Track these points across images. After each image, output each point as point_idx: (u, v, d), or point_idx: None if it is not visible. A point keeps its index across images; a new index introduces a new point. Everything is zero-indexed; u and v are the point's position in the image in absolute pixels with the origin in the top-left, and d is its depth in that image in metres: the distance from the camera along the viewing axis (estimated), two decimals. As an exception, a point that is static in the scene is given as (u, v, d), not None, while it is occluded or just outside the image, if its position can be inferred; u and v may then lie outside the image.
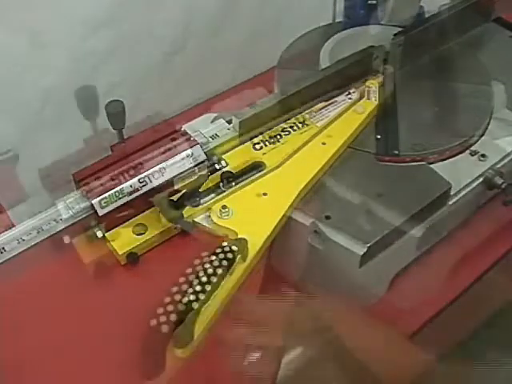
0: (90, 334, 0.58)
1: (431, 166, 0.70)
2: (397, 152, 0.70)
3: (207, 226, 0.66)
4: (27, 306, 0.60)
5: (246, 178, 0.70)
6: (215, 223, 0.66)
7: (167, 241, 0.67)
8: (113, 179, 0.65)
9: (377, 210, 0.65)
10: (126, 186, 0.65)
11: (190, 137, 0.69)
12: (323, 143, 0.73)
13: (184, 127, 0.72)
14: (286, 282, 0.70)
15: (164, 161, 0.67)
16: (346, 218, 0.65)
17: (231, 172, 0.69)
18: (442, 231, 0.72)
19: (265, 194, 0.68)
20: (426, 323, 0.70)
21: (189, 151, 0.68)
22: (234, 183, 0.69)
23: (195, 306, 0.55)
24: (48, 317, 0.59)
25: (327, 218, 0.65)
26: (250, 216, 0.66)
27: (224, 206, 0.66)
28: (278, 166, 0.71)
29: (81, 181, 0.64)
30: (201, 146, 0.69)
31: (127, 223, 0.65)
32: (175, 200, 0.66)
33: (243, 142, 0.73)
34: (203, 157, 0.68)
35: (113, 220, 0.65)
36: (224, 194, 0.69)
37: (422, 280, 0.71)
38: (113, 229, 0.65)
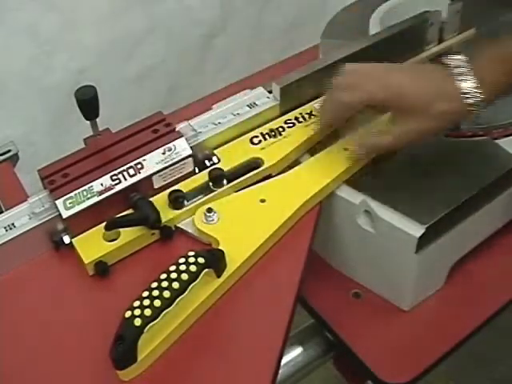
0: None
1: (495, 141, 0.63)
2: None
3: (188, 230, 0.56)
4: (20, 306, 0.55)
5: (240, 177, 0.59)
6: (197, 228, 0.56)
7: (144, 249, 0.57)
8: (82, 176, 0.57)
9: (436, 188, 0.59)
10: (95, 184, 0.57)
11: (174, 128, 0.59)
12: (346, 149, 0.61)
13: (214, 106, 0.65)
14: (332, 269, 0.65)
15: (141, 155, 0.58)
16: (401, 196, 0.58)
17: (221, 169, 0.59)
18: (509, 213, 0.65)
19: (263, 201, 0.58)
20: (486, 322, 0.62)
21: (171, 145, 0.58)
22: (225, 183, 0.58)
23: (137, 322, 0.46)
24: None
25: (379, 195, 0.58)
26: (239, 224, 0.56)
27: (209, 209, 0.56)
28: (277, 164, 0.60)
29: (46, 178, 0.57)
30: (186, 139, 0.59)
31: (98, 227, 0.57)
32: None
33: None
34: (188, 151, 0.58)
35: (81, 223, 0.56)
36: (212, 195, 0.58)
37: (484, 272, 0.65)
38: (81, 234, 0.57)
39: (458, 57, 0.55)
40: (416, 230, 0.55)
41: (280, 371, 0.50)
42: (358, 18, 0.79)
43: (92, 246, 0.56)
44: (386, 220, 0.57)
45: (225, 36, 1.16)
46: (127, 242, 0.56)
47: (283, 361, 0.52)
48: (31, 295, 0.55)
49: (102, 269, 0.55)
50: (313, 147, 0.63)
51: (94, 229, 0.57)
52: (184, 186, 0.59)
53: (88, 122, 0.59)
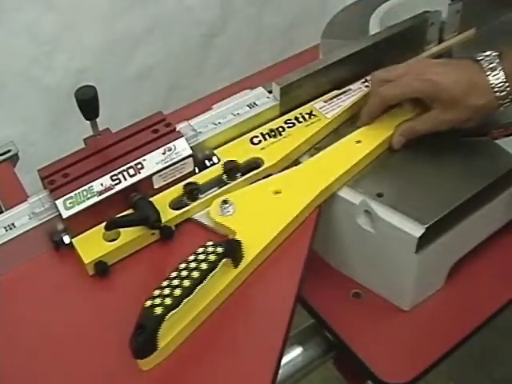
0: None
1: (495, 141, 0.63)
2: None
3: (203, 222, 0.57)
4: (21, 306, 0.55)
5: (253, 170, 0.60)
6: (213, 220, 0.56)
7: (144, 249, 0.57)
8: (82, 176, 0.57)
9: (436, 188, 0.59)
10: (95, 184, 0.57)
11: (174, 128, 0.59)
12: (358, 141, 0.62)
13: (214, 106, 0.65)
14: (332, 269, 0.65)
15: (141, 155, 0.58)
16: (401, 196, 0.58)
17: (236, 162, 0.60)
18: (509, 213, 0.65)
19: (277, 192, 0.58)
20: (486, 322, 0.62)
21: (171, 145, 0.58)
22: (239, 175, 0.60)
23: (158, 311, 0.47)
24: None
25: (379, 195, 0.58)
26: (254, 215, 0.57)
27: (225, 201, 0.57)
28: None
29: (46, 178, 0.57)
30: (186, 139, 0.59)
31: (98, 227, 0.57)
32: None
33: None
34: (188, 151, 0.58)
35: (81, 223, 0.56)
36: (227, 187, 0.59)
37: (484, 272, 0.65)
38: (81, 234, 0.57)
39: (490, 53, 0.59)
40: (416, 230, 0.55)
41: (280, 371, 0.50)
42: (358, 18, 0.79)
43: (92, 246, 0.56)
44: (386, 220, 0.57)
45: (225, 36, 1.16)
46: (127, 241, 0.56)
47: (283, 361, 0.52)
48: (31, 295, 0.55)
49: (102, 269, 0.55)
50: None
51: (94, 229, 0.57)
52: (198, 179, 0.59)
53: (88, 122, 0.59)
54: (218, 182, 0.59)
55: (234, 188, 0.59)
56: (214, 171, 0.59)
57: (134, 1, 1.05)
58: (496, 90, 0.58)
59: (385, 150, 0.63)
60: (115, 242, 0.56)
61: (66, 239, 0.57)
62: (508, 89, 0.57)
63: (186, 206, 0.58)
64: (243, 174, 0.60)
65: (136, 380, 0.49)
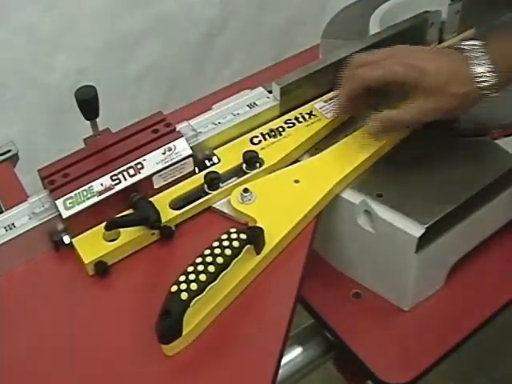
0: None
1: (495, 141, 0.63)
2: (456, 124, 0.63)
3: (224, 211, 0.58)
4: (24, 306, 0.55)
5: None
6: (234, 208, 0.57)
7: (144, 249, 0.57)
8: (82, 176, 0.57)
9: (436, 188, 0.59)
10: (95, 184, 0.57)
11: (174, 128, 0.59)
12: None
13: (214, 106, 0.65)
14: (332, 269, 0.66)
15: (141, 155, 0.58)
16: (401, 196, 0.58)
17: (255, 152, 0.60)
18: (509, 213, 0.66)
19: (296, 182, 0.59)
20: (486, 322, 0.62)
21: (171, 145, 0.58)
22: (258, 165, 0.60)
23: (184, 296, 0.47)
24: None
25: (379, 195, 0.58)
26: (274, 203, 0.58)
27: (246, 190, 0.58)
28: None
29: (46, 178, 0.57)
30: (186, 139, 0.59)
31: (98, 227, 0.57)
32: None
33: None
34: (188, 151, 0.58)
35: (81, 223, 0.56)
36: (246, 177, 0.60)
37: (484, 272, 0.65)
38: (81, 234, 0.57)
39: (474, 42, 0.57)
40: (416, 230, 0.56)
41: (280, 371, 0.50)
42: (358, 18, 0.79)
43: (92, 246, 0.56)
44: (386, 220, 0.57)
45: (225, 36, 1.16)
46: (127, 241, 0.56)
47: (283, 361, 0.52)
48: (31, 295, 0.55)
49: (102, 269, 0.55)
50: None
51: (94, 229, 0.57)
52: (218, 169, 0.60)
53: (88, 122, 0.59)
54: (238, 172, 0.60)
55: (254, 178, 0.60)
56: (233, 161, 0.60)
57: (133, 1, 1.05)
58: (479, 79, 0.55)
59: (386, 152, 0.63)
60: (115, 242, 0.56)
61: (66, 239, 0.57)
62: (492, 79, 0.55)
63: (207, 194, 0.59)
64: (261, 165, 0.60)
65: (135, 379, 0.49)
